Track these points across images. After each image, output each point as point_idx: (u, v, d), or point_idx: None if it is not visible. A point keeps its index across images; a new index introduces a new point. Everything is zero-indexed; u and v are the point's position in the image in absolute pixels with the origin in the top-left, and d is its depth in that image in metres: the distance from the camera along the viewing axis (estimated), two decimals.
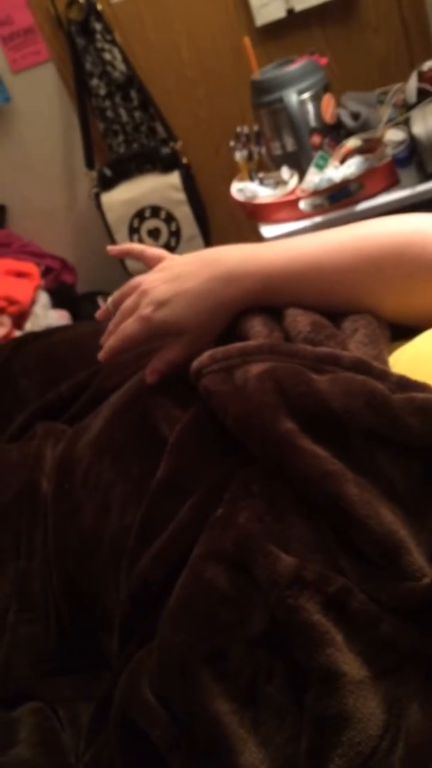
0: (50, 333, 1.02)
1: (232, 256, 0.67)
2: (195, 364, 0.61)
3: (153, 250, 0.75)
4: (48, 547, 0.68)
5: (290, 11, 2.00)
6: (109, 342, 0.69)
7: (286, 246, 0.67)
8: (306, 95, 1.55)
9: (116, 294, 0.74)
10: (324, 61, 1.61)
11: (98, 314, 0.77)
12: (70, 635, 0.65)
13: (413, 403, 0.48)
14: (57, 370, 0.90)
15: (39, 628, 0.66)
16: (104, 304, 0.76)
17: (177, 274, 0.67)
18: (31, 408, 0.87)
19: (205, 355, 0.61)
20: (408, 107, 1.53)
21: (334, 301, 0.66)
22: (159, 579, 0.55)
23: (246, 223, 1.80)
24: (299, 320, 0.63)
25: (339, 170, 1.43)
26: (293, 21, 2.02)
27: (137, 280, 0.71)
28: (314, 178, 1.46)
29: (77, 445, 0.72)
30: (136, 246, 0.78)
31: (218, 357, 0.60)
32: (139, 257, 0.76)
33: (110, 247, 0.78)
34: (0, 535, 0.69)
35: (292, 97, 1.53)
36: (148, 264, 0.75)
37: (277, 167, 1.66)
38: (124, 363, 0.78)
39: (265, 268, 0.66)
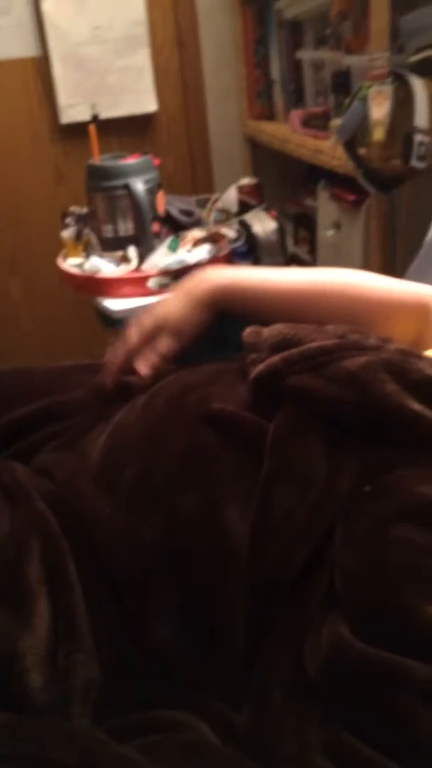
0: None
1: (206, 269, 0.83)
2: (264, 370, 0.65)
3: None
4: (91, 575, 0.62)
5: (94, 117, 2.14)
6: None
7: (250, 268, 0.85)
8: (148, 186, 1.68)
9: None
10: (158, 161, 1.77)
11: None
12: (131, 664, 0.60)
13: None
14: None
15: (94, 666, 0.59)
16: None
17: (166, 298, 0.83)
18: None
19: (276, 360, 0.64)
20: (234, 212, 1.76)
21: (288, 310, 0.79)
22: (302, 559, 0.55)
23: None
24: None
25: (192, 254, 1.56)
26: (96, 126, 2.16)
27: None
28: (166, 259, 1.57)
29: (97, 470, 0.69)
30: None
31: (295, 359, 0.64)
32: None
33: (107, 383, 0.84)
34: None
35: (139, 186, 1.64)
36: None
37: (106, 249, 1.72)
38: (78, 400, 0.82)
39: (233, 272, 0.82)
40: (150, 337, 0.82)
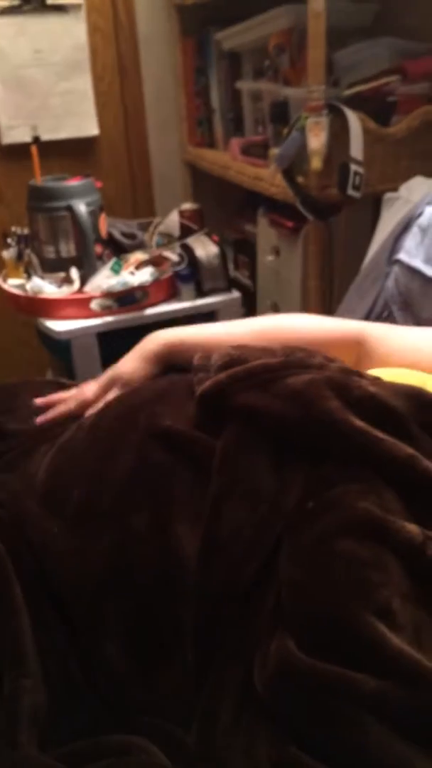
0: None
1: (156, 330, 0.88)
2: (211, 386, 0.66)
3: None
4: (38, 598, 0.62)
5: (36, 138, 2.14)
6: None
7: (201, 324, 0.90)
8: (90, 208, 1.69)
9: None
10: (100, 184, 1.78)
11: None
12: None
13: None
14: None
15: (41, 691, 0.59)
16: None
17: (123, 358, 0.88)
18: None
19: (222, 377, 0.65)
20: (176, 236, 1.78)
21: None
22: (250, 574, 0.56)
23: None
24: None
25: (136, 276, 1.57)
26: (38, 147, 2.16)
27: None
28: (109, 280, 1.58)
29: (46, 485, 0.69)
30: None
31: (240, 376, 0.65)
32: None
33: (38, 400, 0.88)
34: None
35: (82, 208, 1.64)
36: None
37: (47, 270, 1.72)
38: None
39: (180, 330, 0.87)
40: (105, 391, 0.85)
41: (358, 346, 0.82)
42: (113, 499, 0.63)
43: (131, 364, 0.86)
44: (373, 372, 0.71)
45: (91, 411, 0.82)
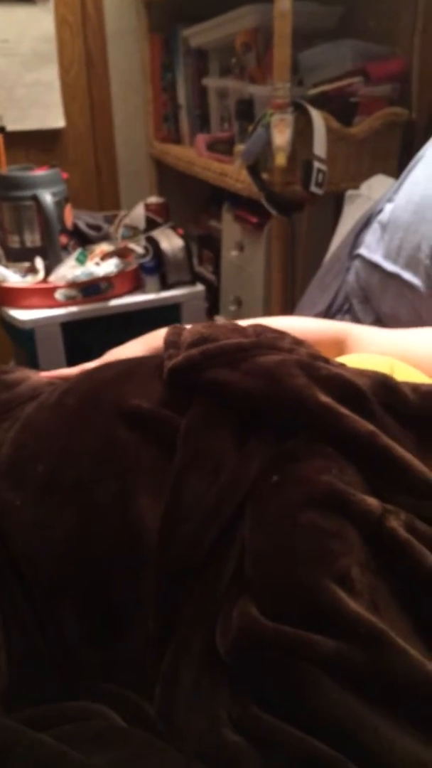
0: None
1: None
2: (182, 361, 0.67)
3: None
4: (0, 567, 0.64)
5: (1, 128, 2.13)
6: None
7: None
8: (56, 198, 1.69)
9: None
10: (66, 175, 1.78)
11: None
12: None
13: (409, 385, 0.66)
14: None
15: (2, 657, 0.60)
16: None
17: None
18: None
19: (194, 353, 0.67)
20: (141, 229, 1.79)
21: None
22: (208, 544, 0.57)
23: None
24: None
25: (101, 267, 1.58)
26: (3, 137, 2.15)
27: None
28: (74, 271, 1.58)
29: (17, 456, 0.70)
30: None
31: (212, 353, 0.67)
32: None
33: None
34: None
35: (47, 198, 1.65)
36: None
37: (11, 259, 1.72)
38: None
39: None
40: None
41: (339, 344, 0.85)
42: (78, 474, 0.64)
43: (133, 348, 0.86)
44: (341, 359, 0.74)
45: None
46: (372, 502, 0.54)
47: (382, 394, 0.63)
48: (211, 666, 0.53)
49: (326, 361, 0.68)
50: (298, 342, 0.73)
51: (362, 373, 0.66)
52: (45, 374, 0.88)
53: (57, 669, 0.61)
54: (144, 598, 0.58)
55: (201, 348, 0.67)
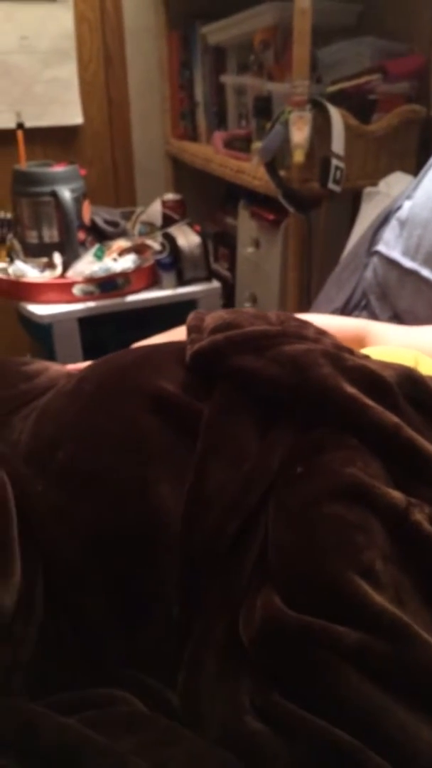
0: None
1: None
2: (206, 345, 0.66)
3: None
4: (27, 555, 0.64)
5: (20, 124, 2.14)
6: None
7: None
8: (74, 195, 1.70)
9: None
10: (84, 172, 1.80)
11: None
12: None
13: None
14: None
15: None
16: None
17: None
18: None
19: (219, 338, 0.66)
20: (158, 226, 1.80)
21: None
22: (232, 533, 0.58)
23: None
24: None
25: (118, 262, 1.59)
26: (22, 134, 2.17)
27: None
28: (92, 266, 1.60)
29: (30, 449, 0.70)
30: None
31: (238, 339, 0.66)
32: None
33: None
34: None
35: (66, 194, 1.66)
36: None
37: (30, 255, 1.73)
38: None
39: None
40: None
41: (360, 341, 0.85)
42: (98, 460, 0.64)
43: (160, 338, 0.87)
44: (366, 351, 0.74)
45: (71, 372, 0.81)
46: (396, 495, 0.55)
47: (407, 386, 0.63)
48: (233, 655, 0.53)
49: (351, 352, 0.69)
50: (321, 332, 0.73)
51: (387, 365, 0.66)
52: (70, 367, 0.88)
53: (81, 656, 0.62)
54: (166, 586, 0.59)
55: (226, 334, 0.67)
